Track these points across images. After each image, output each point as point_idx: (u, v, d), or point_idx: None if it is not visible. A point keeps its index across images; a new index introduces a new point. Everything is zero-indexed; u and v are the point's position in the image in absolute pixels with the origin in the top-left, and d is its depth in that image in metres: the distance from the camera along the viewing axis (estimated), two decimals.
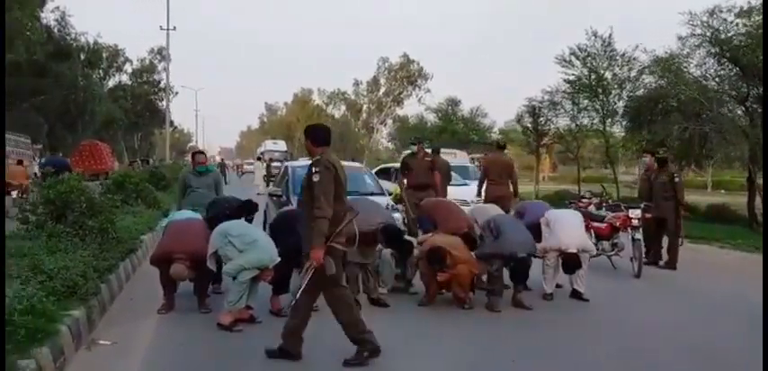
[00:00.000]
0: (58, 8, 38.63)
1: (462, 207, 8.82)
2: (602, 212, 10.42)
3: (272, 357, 5.10)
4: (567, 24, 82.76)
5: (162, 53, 54.94)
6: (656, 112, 18.91)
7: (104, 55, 51.51)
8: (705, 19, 16.66)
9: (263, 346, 5.22)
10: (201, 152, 10.01)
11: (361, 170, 12.92)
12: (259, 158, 39.21)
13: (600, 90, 22.42)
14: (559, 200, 17.51)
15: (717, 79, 17.48)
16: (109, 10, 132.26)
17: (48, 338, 4.61)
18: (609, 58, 22.32)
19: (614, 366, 5.56)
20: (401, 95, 61.29)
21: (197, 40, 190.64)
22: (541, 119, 27.21)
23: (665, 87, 18.50)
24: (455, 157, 22.34)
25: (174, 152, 67.98)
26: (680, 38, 17.59)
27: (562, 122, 26.05)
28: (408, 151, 11.25)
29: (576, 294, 7.78)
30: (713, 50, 16.92)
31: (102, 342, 5.47)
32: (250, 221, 7.15)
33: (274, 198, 10.92)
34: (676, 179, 10.68)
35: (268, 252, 6.10)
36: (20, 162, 24.86)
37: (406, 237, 7.75)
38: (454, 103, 44.08)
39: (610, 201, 11.87)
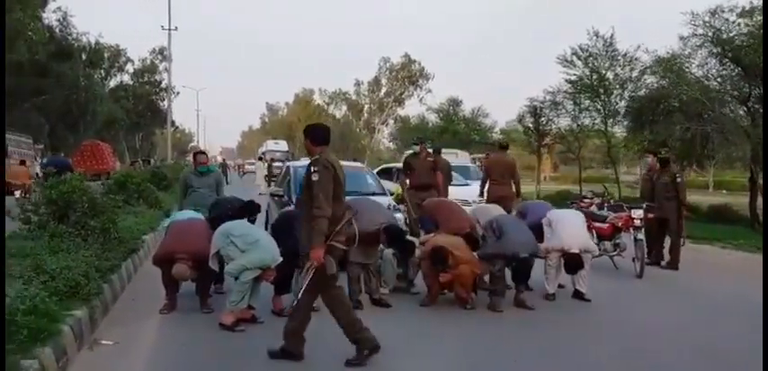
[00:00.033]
0: (59, 8, 38.64)
1: (464, 207, 8.82)
2: (604, 213, 10.41)
3: (274, 357, 5.10)
4: (568, 24, 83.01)
5: (163, 53, 54.92)
6: (657, 112, 18.90)
7: (106, 55, 51.52)
8: (707, 19, 16.66)
9: (265, 346, 5.22)
10: (203, 152, 10.02)
11: (363, 170, 12.93)
12: (260, 158, 39.19)
13: (601, 90, 22.40)
14: (561, 200, 17.49)
15: (719, 79, 17.46)
16: (110, 10, 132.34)
17: (50, 338, 4.61)
18: (610, 58, 22.29)
19: (616, 367, 5.55)
20: (402, 96, 61.37)
21: (197, 40, 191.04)
22: (543, 119, 27.20)
23: (667, 88, 18.48)
24: (457, 157, 22.37)
25: (175, 152, 68.04)
26: (682, 38, 17.60)
27: (563, 122, 26.05)
28: (410, 151, 11.25)
29: (578, 295, 7.77)
30: (715, 51, 16.91)
31: (104, 342, 5.48)
32: (252, 221, 7.15)
33: (276, 198, 10.94)
34: (678, 179, 10.67)
35: (270, 252, 6.10)
36: (22, 162, 24.93)
37: (408, 237, 7.76)
38: (455, 103, 44.09)
39: (611, 201, 11.87)
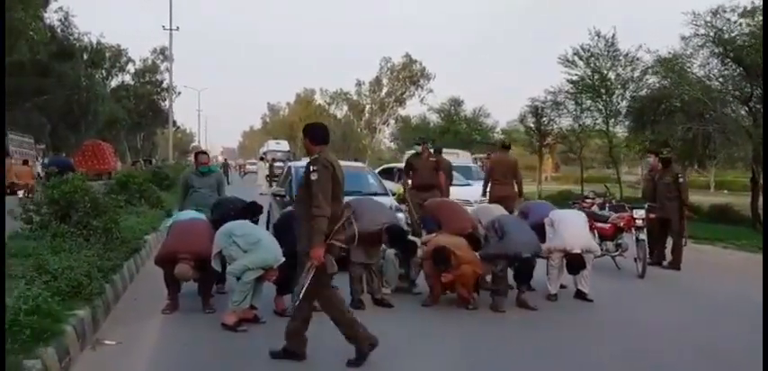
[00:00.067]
0: (61, 8, 38.81)
1: (465, 207, 8.82)
2: (606, 213, 10.41)
3: (276, 357, 5.09)
4: (568, 25, 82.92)
5: (164, 53, 54.97)
6: (659, 112, 18.91)
7: (107, 55, 51.68)
8: (708, 19, 16.67)
9: (267, 346, 5.22)
10: (204, 153, 10.02)
11: (365, 170, 12.93)
12: (262, 159, 39.24)
13: (603, 90, 22.40)
14: (562, 200, 17.50)
15: (720, 79, 17.47)
16: (112, 10, 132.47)
17: (53, 338, 4.61)
18: (612, 58, 22.31)
19: (618, 367, 5.55)
20: (403, 96, 61.37)
21: (198, 41, 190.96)
22: (544, 119, 27.21)
23: (669, 87, 18.49)
24: (458, 157, 22.37)
25: (176, 152, 68.10)
26: (683, 38, 17.63)
27: (565, 122, 26.09)
28: (413, 152, 11.25)
29: (580, 295, 7.77)
30: (717, 50, 16.92)
31: (107, 342, 5.48)
32: (255, 222, 7.14)
33: (278, 198, 10.93)
34: (681, 180, 10.67)
35: (272, 252, 6.10)
36: (26, 162, 25.00)
37: (410, 237, 7.75)
38: (457, 103, 44.11)
39: (613, 201, 11.87)
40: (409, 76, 60.64)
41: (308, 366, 5.04)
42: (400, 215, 9.32)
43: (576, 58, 22.74)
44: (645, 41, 25.85)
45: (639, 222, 9.71)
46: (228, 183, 31.27)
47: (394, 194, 11.59)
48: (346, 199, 6.60)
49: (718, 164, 24.96)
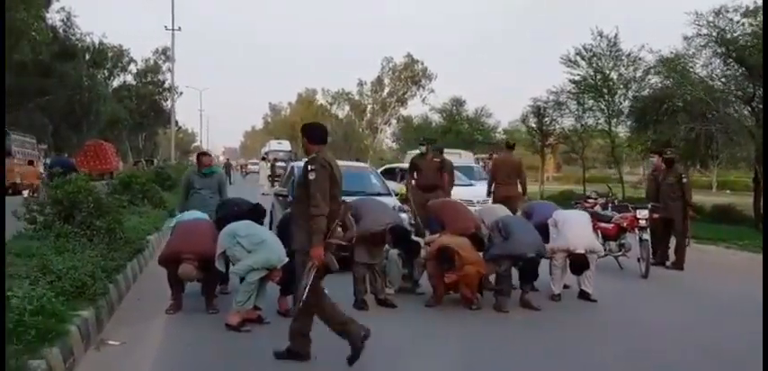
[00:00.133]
0: (63, 8, 38.86)
1: (468, 207, 8.80)
2: (609, 213, 10.39)
3: (281, 358, 5.08)
4: (566, 24, 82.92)
5: (166, 53, 55.01)
6: (661, 112, 18.89)
7: (109, 55, 51.73)
8: (711, 19, 16.65)
9: (271, 346, 5.21)
10: (207, 154, 10.01)
11: (368, 170, 12.93)
12: (263, 159, 39.31)
13: (605, 90, 22.40)
14: (564, 200, 17.48)
15: (723, 79, 17.45)
16: (114, 10, 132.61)
17: (58, 338, 4.61)
18: (614, 58, 22.29)
19: (622, 367, 5.56)
20: (405, 96, 61.35)
21: (199, 41, 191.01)
22: (546, 119, 27.20)
23: (671, 87, 18.48)
24: (460, 157, 22.34)
25: (178, 152, 68.19)
26: (686, 38, 17.60)
27: (567, 122, 26.09)
28: (417, 152, 11.25)
29: (583, 295, 7.76)
30: (719, 50, 16.90)
31: (111, 342, 5.48)
32: (259, 224, 7.13)
33: (281, 198, 10.94)
34: (684, 180, 10.66)
35: (276, 252, 6.10)
36: (31, 162, 25.00)
37: (414, 237, 7.75)
38: (459, 103, 44.13)
39: (616, 201, 11.85)
40: (411, 76, 60.62)
41: (313, 366, 5.04)
42: (403, 216, 9.31)
43: (578, 58, 22.74)
44: (645, 41, 25.79)
45: (643, 222, 9.70)
46: (231, 183, 31.35)
47: (397, 195, 11.59)
48: (350, 199, 6.62)
49: (721, 164, 24.97)
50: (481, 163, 26.40)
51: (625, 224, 9.71)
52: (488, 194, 11.23)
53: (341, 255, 5.31)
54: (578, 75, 22.99)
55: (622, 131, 24.25)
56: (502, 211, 8.33)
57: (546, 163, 36.05)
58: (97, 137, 42.32)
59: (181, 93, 61.73)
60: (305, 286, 4.87)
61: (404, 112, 60.63)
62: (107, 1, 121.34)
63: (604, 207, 11.02)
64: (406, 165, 15.35)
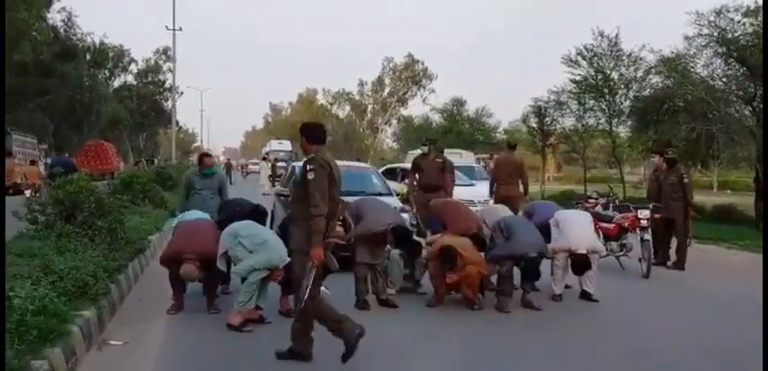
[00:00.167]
0: (64, 8, 38.80)
1: (469, 207, 8.80)
2: (610, 213, 10.39)
3: (282, 358, 5.08)
4: (568, 24, 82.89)
5: (167, 53, 55.03)
6: (662, 112, 18.89)
7: (110, 55, 51.72)
8: (712, 19, 16.66)
9: (272, 347, 5.21)
10: (209, 155, 10.01)
11: (369, 170, 12.93)
12: (264, 159, 39.31)
13: (606, 90, 22.41)
14: (565, 200, 17.47)
15: (724, 79, 17.45)
16: (114, 10, 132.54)
17: (60, 338, 4.62)
18: (615, 58, 22.31)
19: (623, 367, 5.56)
20: (406, 96, 61.33)
21: (199, 41, 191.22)
22: (547, 119, 27.20)
23: (672, 87, 18.49)
24: (461, 157, 22.37)
25: (179, 152, 68.23)
26: (687, 38, 17.60)
27: (568, 122, 26.10)
28: (419, 152, 11.25)
29: (585, 295, 7.76)
30: (720, 50, 16.89)
31: (112, 342, 5.48)
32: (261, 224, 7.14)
33: (281, 198, 10.94)
34: (685, 180, 10.65)
35: (278, 252, 6.09)
36: (33, 162, 25.03)
37: (415, 237, 7.75)
38: (459, 103, 44.13)
39: (617, 201, 11.84)
40: (412, 76, 60.61)
41: (314, 366, 5.04)
42: (405, 216, 9.31)
43: (579, 58, 22.75)
44: (646, 41, 25.79)
45: (644, 223, 9.70)
46: (231, 183, 31.35)
47: (397, 195, 11.59)
48: (351, 199, 6.63)
49: (722, 164, 24.98)
50: (482, 163, 26.41)
51: (626, 224, 9.71)
52: (490, 194, 11.22)
53: (341, 255, 5.31)
54: (579, 75, 23.03)
55: (623, 131, 24.29)
56: (503, 211, 8.34)
57: (547, 163, 36.05)
58: (98, 137, 42.32)
59: (182, 93, 61.75)
60: (306, 287, 4.88)
61: (404, 112, 60.70)
62: (108, 1, 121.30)
63: (605, 207, 11.02)
64: (406, 165, 15.37)
